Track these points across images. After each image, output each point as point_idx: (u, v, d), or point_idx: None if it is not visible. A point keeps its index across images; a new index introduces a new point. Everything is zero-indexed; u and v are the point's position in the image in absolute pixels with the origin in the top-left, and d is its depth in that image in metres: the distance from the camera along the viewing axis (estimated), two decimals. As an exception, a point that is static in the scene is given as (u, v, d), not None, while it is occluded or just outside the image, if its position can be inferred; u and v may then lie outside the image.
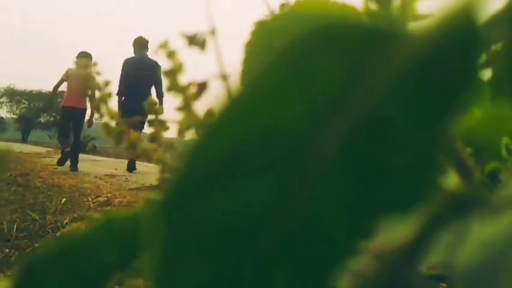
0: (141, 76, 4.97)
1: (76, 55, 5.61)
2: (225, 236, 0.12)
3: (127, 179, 4.81)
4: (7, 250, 2.24)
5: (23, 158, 7.33)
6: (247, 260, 0.12)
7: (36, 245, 2.50)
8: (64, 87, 5.68)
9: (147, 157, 0.28)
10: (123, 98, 5.17)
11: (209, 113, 0.25)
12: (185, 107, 0.25)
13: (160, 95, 4.75)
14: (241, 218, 0.12)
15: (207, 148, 0.11)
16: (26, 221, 2.73)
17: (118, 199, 3.21)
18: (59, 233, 2.62)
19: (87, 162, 7.11)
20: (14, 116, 25.77)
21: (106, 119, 0.30)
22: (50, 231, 2.67)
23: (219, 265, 0.12)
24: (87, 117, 5.65)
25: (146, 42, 5.26)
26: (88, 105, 5.65)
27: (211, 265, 0.12)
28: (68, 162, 5.80)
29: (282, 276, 0.12)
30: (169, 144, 0.29)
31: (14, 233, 2.48)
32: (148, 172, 5.55)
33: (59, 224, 2.74)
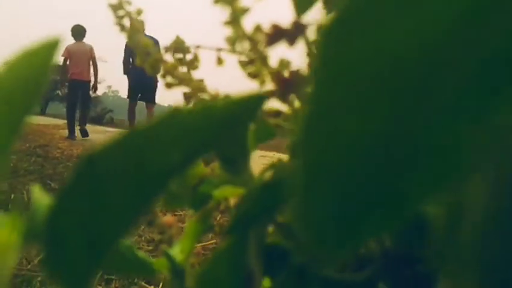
0: None
1: (71, 29, 6.03)
2: (399, 73, 0.10)
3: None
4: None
5: (41, 130, 7.41)
6: (421, 103, 0.10)
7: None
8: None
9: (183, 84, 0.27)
10: (131, 73, 5.77)
11: (258, 28, 0.23)
12: (233, 21, 0.23)
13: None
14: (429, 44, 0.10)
15: None
16: (46, 191, 2.76)
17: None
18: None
19: (104, 134, 7.17)
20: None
21: (140, 49, 0.28)
22: (69, 200, 2.70)
23: (388, 114, 0.10)
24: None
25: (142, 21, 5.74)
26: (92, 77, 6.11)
27: (374, 114, 0.10)
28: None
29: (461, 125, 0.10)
30: (201, 82, 0.28)
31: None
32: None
33: (77, 193, 2.77)
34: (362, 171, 0.11)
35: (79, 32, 6.03)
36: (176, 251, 0.28)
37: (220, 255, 0.19)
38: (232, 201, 0.30)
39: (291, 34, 0.21)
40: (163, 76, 0.27)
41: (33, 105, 0.18)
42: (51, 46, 0.18)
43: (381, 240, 0.17)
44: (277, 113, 0.23)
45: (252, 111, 0.15)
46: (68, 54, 5.96)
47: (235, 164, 0.23)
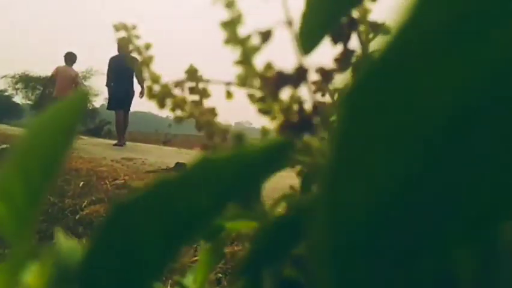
0: (124, 69, 6.39)
1: (64, 55, 7.33)
2: (430, 125, 0.10)
3: (143, 162, 4.84)
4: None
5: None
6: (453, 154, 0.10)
7: (56, 228, 2.53)
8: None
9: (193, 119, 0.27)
10: (112, 87, 6.82)
11: (269, 66, 0.23)
12: (245, 61, 0.24)
13: (141, 82, 5.65)
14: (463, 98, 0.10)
15: (425, 16, 0.10)
16: (45, 205, 2.75)
17: (136, 182, 3.22)
18: (78, 216, 2.65)
19: (103, 146, 7.17)
20: (30, 102, 25.94)
21: (148, 82, 0.28)
22: (69, 214, 2.70)
23: (413, 164, 0.11)
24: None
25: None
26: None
27: (402, 163, 0.11)
28: (83, 146, 6.38)
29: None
30: (212, 111, 0.28)
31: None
32: (164, 155, 5.58)
33: (77, 207, 2.76)
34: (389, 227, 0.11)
35: (69, 58, 7.34)
36: (190, 281, 0.28)
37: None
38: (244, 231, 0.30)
39: (295, 79, 0.22)
40: (173, 110, 0.27)
41: (64, 154, 0.18)
42: (79, 100, 0.18)
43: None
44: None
45: (279, 157, 0.15)
46: (56, 74, 7.17)
47: (247, 197, 0.23)
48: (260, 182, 0.17)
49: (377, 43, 0.10)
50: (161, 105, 0.27)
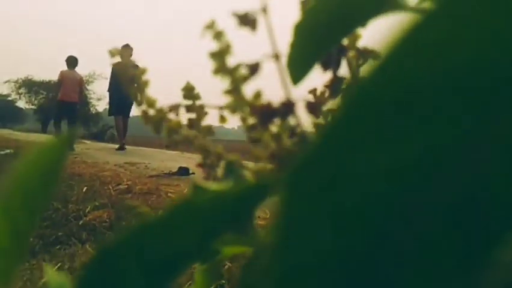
0: None
1: (66, 59, 7.52)
2: (373, 202, 0.11)
3: (146, 166, 4.84)
4: (31, 239, 2.27)
5: (43, 148, 7.41)
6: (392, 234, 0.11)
7: (60, 233, 2.53)
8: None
9: (188, 144, 0.27)
10: (113, 93, 6.98)
11: (258, 95, 0.24)
12: (234, 90, 0.24)
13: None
14: (405, 178, 0.10)
15: (371, 94, 0.10)
16: (49, 210, 2.76)
17: (139, 186, 3.23)
18: (81, 222, 2.65)
19: (106, 151, 7.20)
20: (33, 107, 25.99)
21: (144, 107, 0.29)
22: (72, 219, 2.70)
23: (355, 238, 0.11)
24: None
25: (131, 49, 6.79)
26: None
27: (345, 236, 0.11)
28: (86, 150, 6.54)
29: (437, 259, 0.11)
30: (208, 130, 0.29)
31: (38, 222, 2.50)
32: (167, 159, 5.59)
33: (81, 213, 2.77)
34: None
35: (72, 62, 7.49)
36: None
37: None
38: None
39: (282, 112, 0.22)
40: (168, 134, 0.27)
41: (49, 195, 0.18)
42: (63, 142, 0.19)
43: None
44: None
45: (260, 198, 0.16)
46: (62, 77, 7.38)
47: (240, 224, 0.24)
48: (245, 220, 0.18)
49: (366, 69, 0.11)
50: (157, 130, 0.28)
